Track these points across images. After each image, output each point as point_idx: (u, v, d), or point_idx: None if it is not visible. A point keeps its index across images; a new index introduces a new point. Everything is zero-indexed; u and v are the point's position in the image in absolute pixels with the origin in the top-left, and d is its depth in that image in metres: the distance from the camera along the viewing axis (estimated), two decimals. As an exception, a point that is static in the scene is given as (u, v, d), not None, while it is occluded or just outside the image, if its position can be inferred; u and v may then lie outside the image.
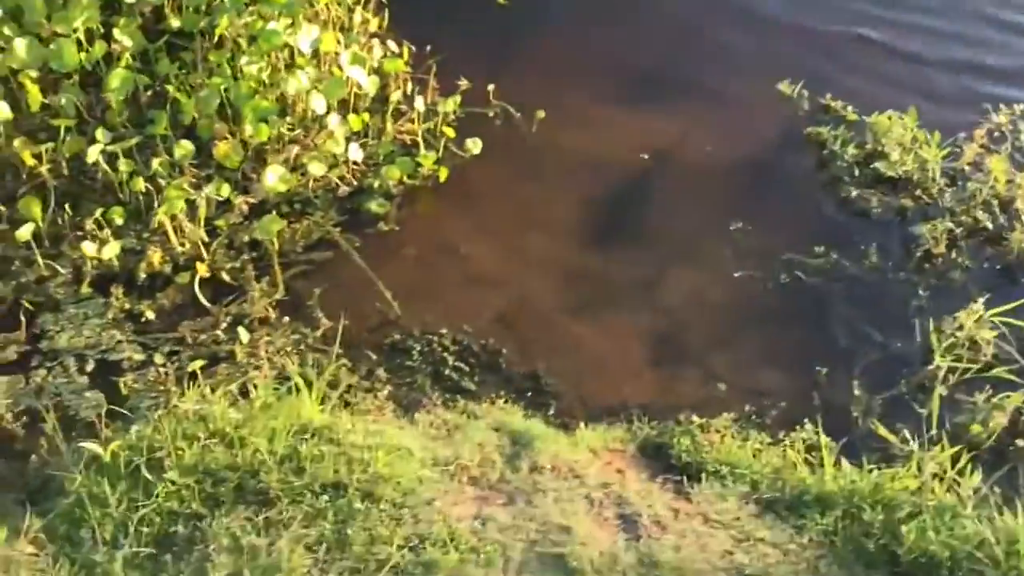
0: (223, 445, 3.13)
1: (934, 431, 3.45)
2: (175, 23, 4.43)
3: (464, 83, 4.49)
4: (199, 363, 3.38)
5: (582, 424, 3.55)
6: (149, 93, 4.26)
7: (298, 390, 3.25)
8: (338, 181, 4.12)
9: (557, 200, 4.44)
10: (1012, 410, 3.51)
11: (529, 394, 3.66)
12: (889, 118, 4.57)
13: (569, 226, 4.36)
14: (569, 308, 4.08)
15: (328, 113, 4.13)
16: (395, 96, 4.35)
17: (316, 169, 4.02)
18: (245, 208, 4.01)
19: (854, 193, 4.37)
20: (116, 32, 4.21)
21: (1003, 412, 3.46)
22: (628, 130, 4.73)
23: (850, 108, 4.72)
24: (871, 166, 4.44)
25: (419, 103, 4.32)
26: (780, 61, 5.02)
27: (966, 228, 4.23)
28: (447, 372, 3.63)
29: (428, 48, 4.77)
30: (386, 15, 4.86)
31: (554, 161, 4.57)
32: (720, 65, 5.06)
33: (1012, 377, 3.70)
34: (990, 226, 4.23)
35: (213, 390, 3.34)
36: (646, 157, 4.57)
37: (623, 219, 4.42)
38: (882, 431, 3.54)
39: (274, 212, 3.98)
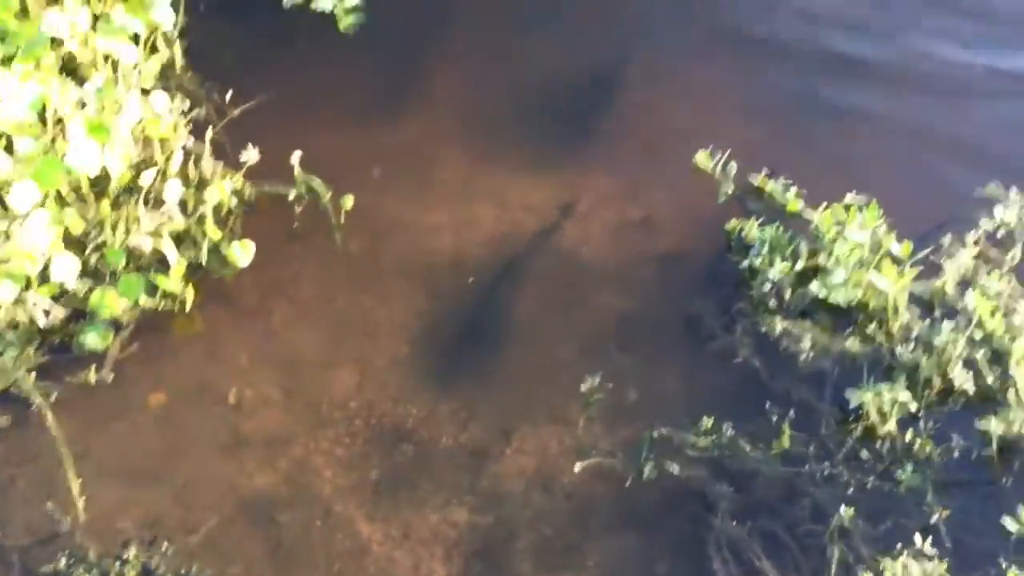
0: None
1: None
2: None
3: (251, 155, 3.28)
4: None
5: None
6: None
7: None
8: (46, 306, 2.98)
9: (368, 326, 3.24)
10: None
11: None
12: (846, 209, 3.23)
13: (380, 364, 3.16)
14: (364, 490, 2.91)
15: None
16: (146, 179, 3.17)
17: (3, 293, 2.89)
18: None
19: (779, 328, 3.07)
20: None
21: None
22: (478, 221, 3.50)
23: (792, 192, 3.38)
24: (808, 286, 3.12)
25: (171, 189, 3.14)
26: (705, 120, 3.70)
27: (933, 393, 2.91)
28: (115, 629, 2.50)
29: (229, 96, 3.58)
30: (176, 51, 3.67)
31: (368, 267, 3.37)
32: (625, 118, 3.78)
33: None
34: (970, 390, 2.89)
35: None
36: (471, 281, 3.33)
37: (453, 355, 3.21)
38: None
39: (-54, 351, 2.88)
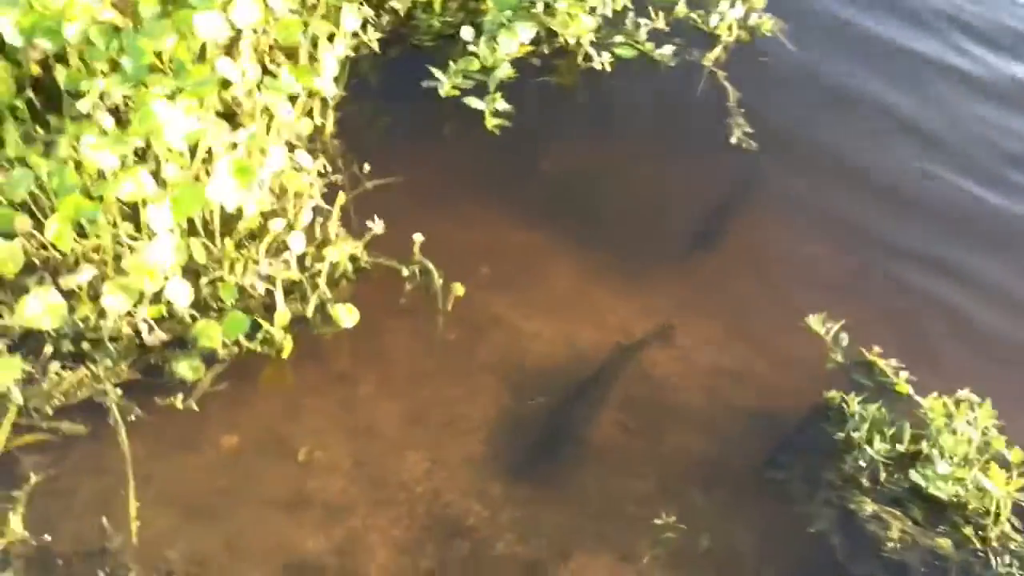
0: None
1: None
2: (61, 78, 3.54)
3: (377, 226, 3.35)
4: None
5: None
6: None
7: None
8: (150, 324, 3.05)
9: (449, 417, 3.21)
10: None
11: None
12: (956, 404, 3.11)
13: (453, 456, 3.12)
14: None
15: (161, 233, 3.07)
16: (274, 227, 3.26)
17: (115, 304, 2.97)
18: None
19: (868, 510, 2.93)
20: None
21: None
22: (576, 337, 3.48)
23: (903, 376, 3.29)
24: (907, 473, 2.99)
25: (295, 240, 3.22)
26: (828, 282, 3.67)
27: (1028, 613, 2.71)
28: (142, 658, 2.43)
29: (367, 169, 3.71)
30: (328, 119, 3.84)
31: (461, 359, 3.36)
32: (752, 263, 3.76)
33: None
34: (1067, 621, 2.69)
35: None
36: (532, 401, 3.28)
37: (527, 464, 3.13)
38: None
39: (47, 349, 2.94)
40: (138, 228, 3.18)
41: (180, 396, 2.98)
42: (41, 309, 2.87)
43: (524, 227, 3.85)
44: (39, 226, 3.10)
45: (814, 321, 3.36)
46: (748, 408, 3.34)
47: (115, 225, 3.09)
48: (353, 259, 3.41)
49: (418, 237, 3.43)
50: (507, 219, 3.86)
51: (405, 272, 3.45)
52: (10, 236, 3.02)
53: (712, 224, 3.89)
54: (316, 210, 3.46)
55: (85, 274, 2.94)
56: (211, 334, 3.00)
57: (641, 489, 3.10)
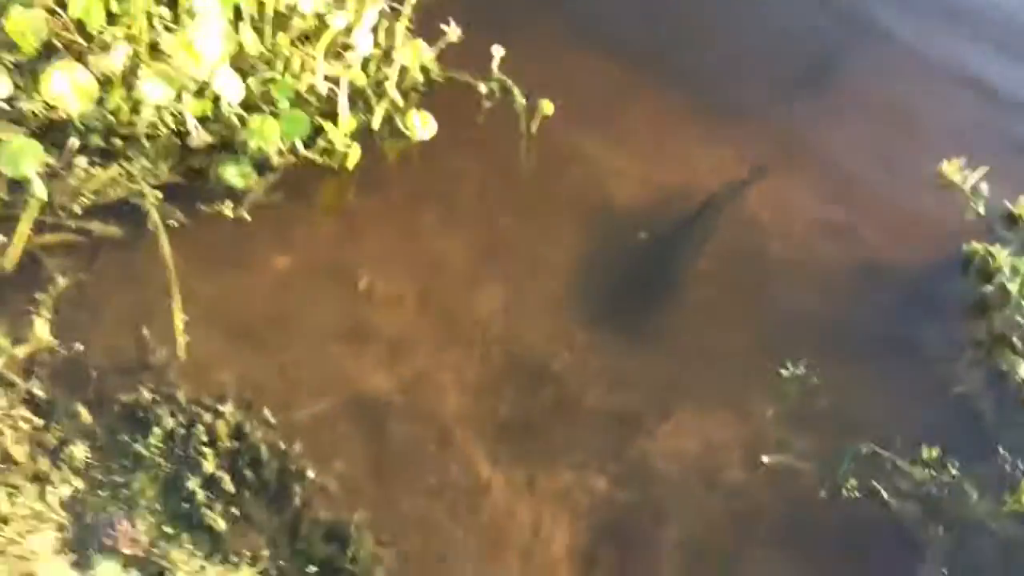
0: None
1: None
2: None
3: (452, 31, 2.88)
4: None
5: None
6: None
7: None
8: (194, 123, 2.59)
9: (527, 254, 2.79)
10: None
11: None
12: (1117, 264, 2.71)
13: (533, 295, 2.71)
14: (489, 424, 2.45)
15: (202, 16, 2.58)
16: (336, 23, 2.77)
17: (154, 92, 2.50)
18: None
19: (1022, 371, 2.55)
20: None
21: None
22: (666, 177, 3.05)
23: (1055, 229, 2.89)
24: (1065, 333, 2.61)
25: (362, 38, 2.74)
26: (962, 123, 3.23)
27: None
28: (194, 485, 2.03)
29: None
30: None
31: (540, 193, 2.92)
32: (862, 110, 3.31)
33: None
34: None
35: None
36: (643, 236, 2.86)
37: (616, 309, 2.74)
38: None
39: (73, 140, 2.48)
40: (176, 18, 2.69)
41: (229, 204, 2.54)
42: (68, 87, 2.41)
43: (605, 58, 3.37)
44: (62, 6, 2.62)
45: (950, 168, 2.92)
46: (865, 262, 2.94)
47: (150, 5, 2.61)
48: (423, 71, 2.94)
49: (497, 50, 2.96)
50: (586, 47, 3.38)
51: (483, 88, 2.98)
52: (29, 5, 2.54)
53: (816, 66, 3.43)
54: (382, 14, 2.97)
55: (119, 52, 2.47)
56: (267, 133, 2.55)
57: (745, 344, 2.72)
